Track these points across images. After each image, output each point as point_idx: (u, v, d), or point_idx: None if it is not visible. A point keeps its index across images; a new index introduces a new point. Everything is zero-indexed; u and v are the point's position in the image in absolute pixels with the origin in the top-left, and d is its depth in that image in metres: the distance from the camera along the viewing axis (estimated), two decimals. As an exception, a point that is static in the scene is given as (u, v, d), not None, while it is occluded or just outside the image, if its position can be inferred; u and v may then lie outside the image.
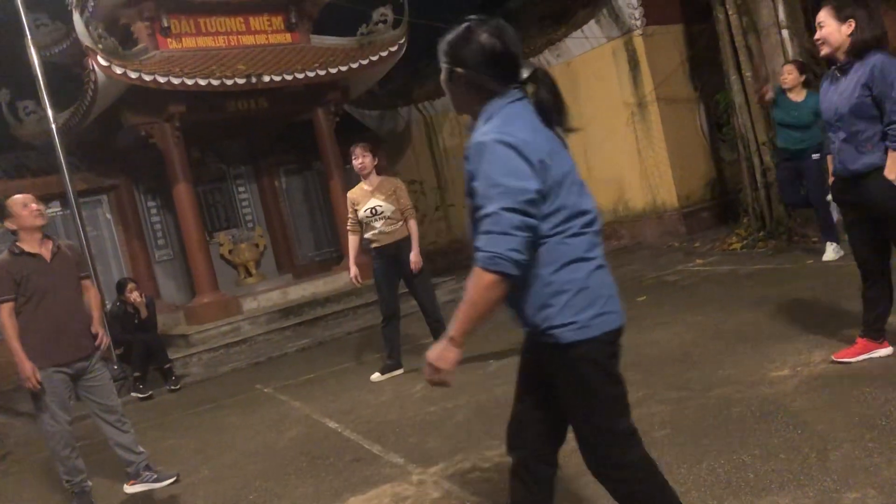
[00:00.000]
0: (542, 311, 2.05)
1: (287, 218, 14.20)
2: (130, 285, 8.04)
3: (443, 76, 2.16)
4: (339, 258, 13.05)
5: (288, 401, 6.22)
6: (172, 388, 7.90)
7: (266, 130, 13.51)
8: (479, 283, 1.93)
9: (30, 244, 4.28)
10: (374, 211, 5.87)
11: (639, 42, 11.17)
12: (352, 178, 13.41)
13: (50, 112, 8.61)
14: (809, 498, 2.70)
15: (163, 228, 12.92)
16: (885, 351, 3.96)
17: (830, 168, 4.09)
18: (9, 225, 4.31)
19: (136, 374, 7.93)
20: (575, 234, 2.03)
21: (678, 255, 9.37)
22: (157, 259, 12.79)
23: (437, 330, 6.14)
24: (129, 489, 4.54)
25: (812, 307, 5.18)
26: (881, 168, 3.62)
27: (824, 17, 3.73)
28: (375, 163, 5.99)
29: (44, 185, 11.78)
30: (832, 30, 3.70)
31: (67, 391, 4.37)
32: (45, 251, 4.31)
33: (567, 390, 2.12)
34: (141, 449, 4.56)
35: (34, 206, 4.29)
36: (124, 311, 8.18)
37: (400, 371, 6.15)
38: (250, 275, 12.78)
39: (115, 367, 8.19)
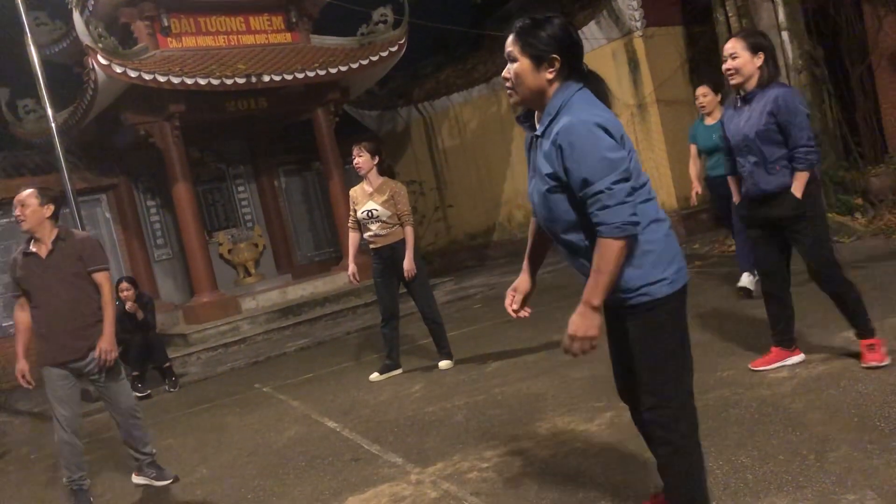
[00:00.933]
0: (636, 271, 2.26)
1: (286, 218, 14.20)
2: (122, 284, 7.95)
3: (525, 63, 2.25)
4: (339, 258, 13.06)
5: (287, 400, 6.22)
6: (171, 387, 7.89)
7: (266, 130, 13.52)
8: (611, 252, 2.15)
9: (34, 241, 4.23)
10: (370, 214, 5.84)
11: (639, 43, 11.18)
12: (352, 178, 13.43)
13: (49, 111, 8.61)
14: (808, 500, 2.71)
15: (162, 228, 12.93)
16: (797, 358, 4.22)
17: (736, 189, 4.38)
18: None
19: (135, 373, 7.91)
20: (645, 200, 2.27)
21: (677, 257, 9.36)
22: (157, 258, 12.79)
23: (435, 332, 6.14)
24: (135, 479, 4.63)
25: (810, 310, 5.18)
26: (790, 186, 3.92)
27: (737, 48, 3.95)
28: (375, 162, 5.91)
29: (43, 184, 11.69)
30: (745, 61, 3.93)
31: (66, 387, 4.27)
32: (43, 248, 4.20)
33: (648, 345, 2.32)
34: (149, 450, 4.54)
35: (17, 210, 4.20)
36: (122, 310, 8.16)
37: (399, 371, 6.15)
38: (249, 274, 12.79)
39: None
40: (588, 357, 5.62)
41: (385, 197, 5.84)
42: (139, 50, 10.78)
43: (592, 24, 11.73)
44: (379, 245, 5.91)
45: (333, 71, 11.46)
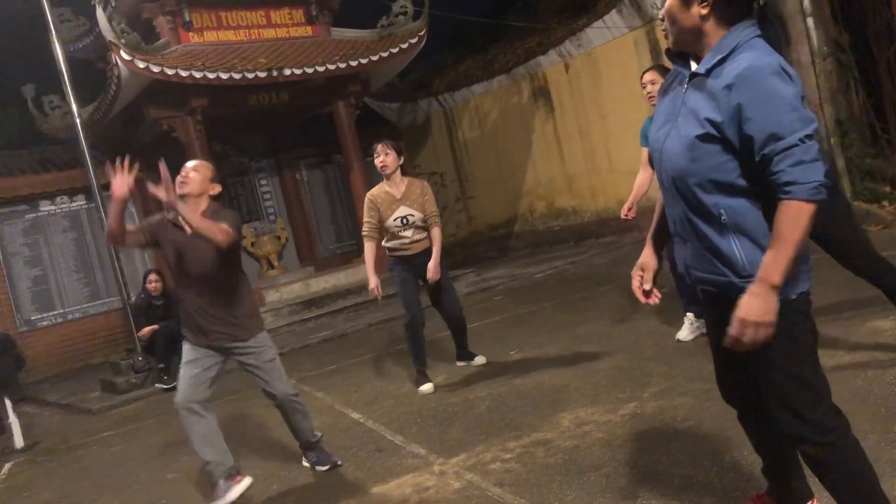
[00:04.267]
0: None
1: (308, 210, 14.28)
2: (151, 276, 8.12)
3: (673, 1, 2.02)
4: (360, 251, 13.00)
5: (311, 391, 6.26)
6: (196, 379, 7.97)
7: (287, 124, 13.58)
8: (802, 218, 1.84)
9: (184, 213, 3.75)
10: (405, 220, 5.33)
11: (661, 32, 11.06)
12: (373, 172, 13.43)
13: (74, 106, 8.72)
14: (834, 490, 2.68)
15: (185, 221, 13.03)
16: None
17: None
18: None
19: (161, 365, 8.02)
20: None
21: (700, 247, 9.28)
22: (181, 252, 12.90)
23: (461, 332, 5.86)
24: (304, 462, 4.32)
25: (834, 298, 5.12)
26: None
27: None
28: (400, 162, 5.41)
29: (68, 179, 11.96)
30: None
31: (198, 367, 3.93)
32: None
33: (780, 349, 2.00)
34: (307, 437, 4.19)
35: (184, 173, 3.85)
36: (149, 303, 8.27)
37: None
38: (272, 267, 12.87)
39: (140, 358, 8.30)
40: (611, 348, 5.59)
41: (419, 200, 5.39)
42: (161, 45, 10.86)
43: (614, 12, 11.64)
44: (414, 252, 5.40)
45: (354, 64, 11.47)
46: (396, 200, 5.36)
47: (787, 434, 2.09)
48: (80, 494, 4.82)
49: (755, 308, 1.89)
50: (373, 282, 5.31)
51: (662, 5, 2.08)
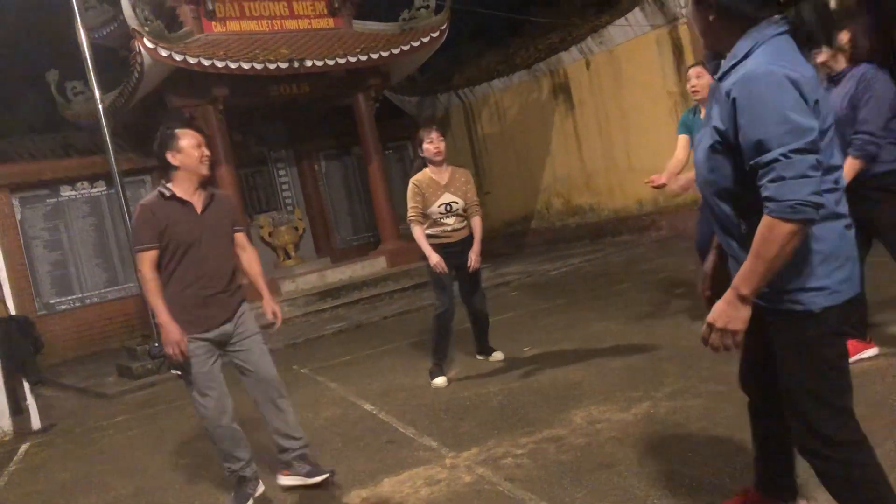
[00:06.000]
0: (790, 273, 1.88)
1: (326, 202, 14.34)
2: None
3: (692, 6, 1.99)
4: (377, 243, 13.14)
5: (324, 382, 6.29)
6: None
7: (307, 115, 13.62)
8: (776, 236, 1.76)
9: (184, 189, 3.61)
10: (448, 207, 5.33)
11: (684, 31, 11.00)
12: (391, 164, 13.48)
13: (97, 93, 8.79)
14: (848, 495, 2.66)
15: (204, 210, 13.11)
16: (872, 351, 4.02)
17: None
18: (172, 159, 3.61)
19: (176, 352, 8.07)
20: (829, 190, 1.86)
21: (718, 248, 9.22)
22: (199, 240, 12.99)
23: (484, 327, 5.82)
24: (283, 481, 3.91)
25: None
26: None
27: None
28: None
29: (90, 165, 12.06)
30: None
31: (211, 360, 3.72)
32: (198, 200, 3.63)
33: (796, 364, 1.96)
34: (299, 433, 3.89)
35: (206, 151, 3.67)
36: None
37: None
38: (289, 257, 12.94)
39: (156, 344, 8.37)
40: (625, 346, 5.58)
41: (462, 188, 5.40)
42: (184, 34, 10.92)
43: (637, 10, 11.57)
44: (454, 240, 5.40)
45: (375, 56, 11.49)
46: (441, 187, 5.35)
47: (798, 445, 2.05)
48: (95, 477, 4.88)
49: (721, 314, 1.90)
50: (434, 258, 5.23)
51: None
